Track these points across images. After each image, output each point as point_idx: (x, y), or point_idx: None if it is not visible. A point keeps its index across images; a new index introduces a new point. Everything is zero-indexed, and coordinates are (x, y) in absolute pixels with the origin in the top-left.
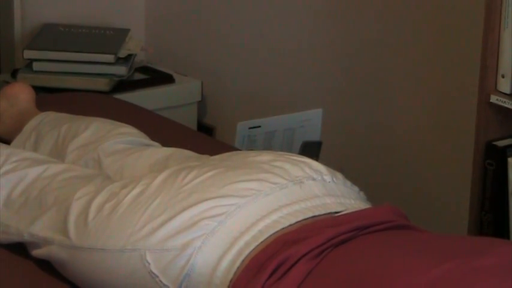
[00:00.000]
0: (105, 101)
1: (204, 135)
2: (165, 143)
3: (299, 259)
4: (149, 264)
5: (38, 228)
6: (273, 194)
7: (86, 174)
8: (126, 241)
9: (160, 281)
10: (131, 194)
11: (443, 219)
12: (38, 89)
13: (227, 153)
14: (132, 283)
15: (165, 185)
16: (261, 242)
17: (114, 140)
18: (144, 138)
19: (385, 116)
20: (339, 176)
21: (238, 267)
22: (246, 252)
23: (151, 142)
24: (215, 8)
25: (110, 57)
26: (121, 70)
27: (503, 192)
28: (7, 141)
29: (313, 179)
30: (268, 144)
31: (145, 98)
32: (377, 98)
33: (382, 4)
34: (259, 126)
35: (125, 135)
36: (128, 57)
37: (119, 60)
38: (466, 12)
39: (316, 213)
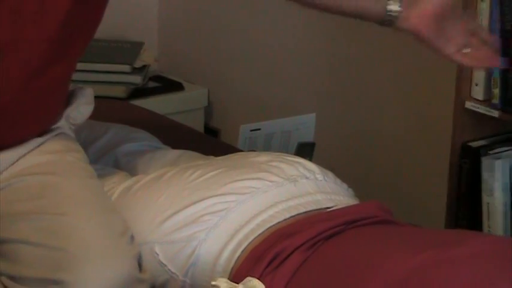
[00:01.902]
0: (123, 107)
1: (210, 137)
2: (175, 144)
3: (294, 250)
4: (158, 255)
5: None
6: (270, 191)
7: (105, 173)
8: (137, 236)
9: (169, 269)
10: (143, 188)
11: (423, 213)
12: None
13: (229, 155)
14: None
15: (172, 181)
16: (259, 235)
17: (130, 143)
18: (155, 142)
19: (372, 120)
20: (330, 174)
21: (238, 257)
22: (246, 243)
23: (162, 145)
24: (220, 25)
25: (127, 68)
26: (136, 79)
27: (476, 188)
28: None
29: (307, 178)
30: (268, 145)
31: (157, 103)
32: (365, 104)
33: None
34: (259, 129)
35: (138, 139)
36: (143, 68)
37: (135, 70)
38: None
39: (309, 209)
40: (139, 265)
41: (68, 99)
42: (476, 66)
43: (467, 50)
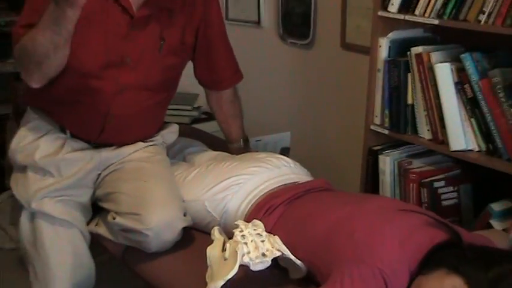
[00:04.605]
0: (187, 128)
1: None
2: (215, 148)
3: (278, 205)
4: (206, 206)
5: None
6: (265, 173)
7: (178, 164)
8: (195, 196)
9: (212, 215)
10: (198, 172)
11: (349, 185)
12: None
13: (244, 154)
14: (199, 216)
15: (213, 169)
16: (260, 196)
17: (191, 148)
18: (204, 147)
19: (321, 133)
20: (298, 164)
21: (249, 209)
22: (253, 201)
23: (208, 149)
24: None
25: (189, 107)
26: (195, 113)
27: (376, 173)
28: None
29: (285, 166)
30: (265, 148)
31: (207, 127)
32: (318, 125)
33: (325, 76)
34: (260, 140)
35: (196, 146)
36: (198, 107)
37: (194, 108)
38: (359, 84)
39: (286, 183)
40: (185, 214)
41: (163, 127)
42: None
43: None
